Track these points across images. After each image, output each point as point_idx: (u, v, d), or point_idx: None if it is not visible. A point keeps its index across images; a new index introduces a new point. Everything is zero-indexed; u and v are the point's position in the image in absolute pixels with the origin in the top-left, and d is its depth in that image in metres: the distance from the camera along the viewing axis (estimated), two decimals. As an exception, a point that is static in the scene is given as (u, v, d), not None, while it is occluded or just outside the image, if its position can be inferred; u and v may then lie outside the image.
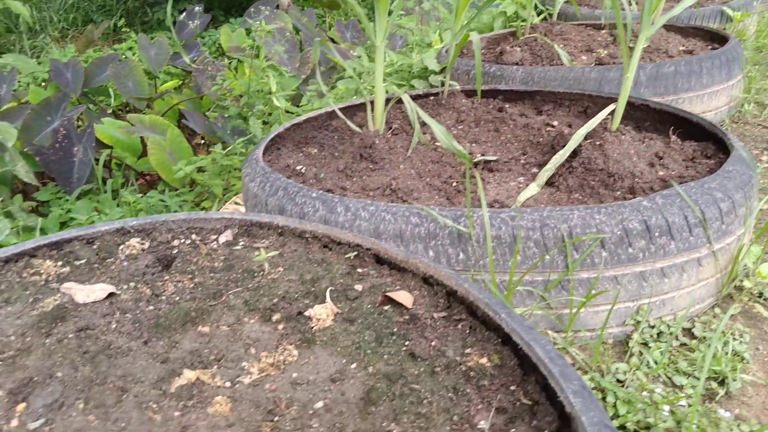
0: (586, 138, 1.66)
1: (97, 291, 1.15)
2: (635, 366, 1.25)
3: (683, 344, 1.35)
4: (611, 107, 1.66)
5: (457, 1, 1.99)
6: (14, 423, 0.85)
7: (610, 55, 2.72)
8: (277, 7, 6.85)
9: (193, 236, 1.37)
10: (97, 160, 3.10)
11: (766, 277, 1.44)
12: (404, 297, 1.09)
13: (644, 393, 1.21)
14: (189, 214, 1.39)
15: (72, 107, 3.42)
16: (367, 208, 1.37)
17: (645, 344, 1.35)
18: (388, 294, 1.09)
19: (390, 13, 1.62)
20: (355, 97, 2.94)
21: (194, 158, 2.85)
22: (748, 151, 1.63)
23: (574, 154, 1.63)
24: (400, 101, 2.27)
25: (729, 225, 1.39)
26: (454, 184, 1.62)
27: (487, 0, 1.91)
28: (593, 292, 1.30)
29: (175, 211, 2.70)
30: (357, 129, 1.78)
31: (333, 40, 5.91)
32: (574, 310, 1.31)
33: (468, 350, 0.97)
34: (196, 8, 5.42)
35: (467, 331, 1.01)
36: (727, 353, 1.29)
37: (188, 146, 3.30)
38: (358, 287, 1.15)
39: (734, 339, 1.34)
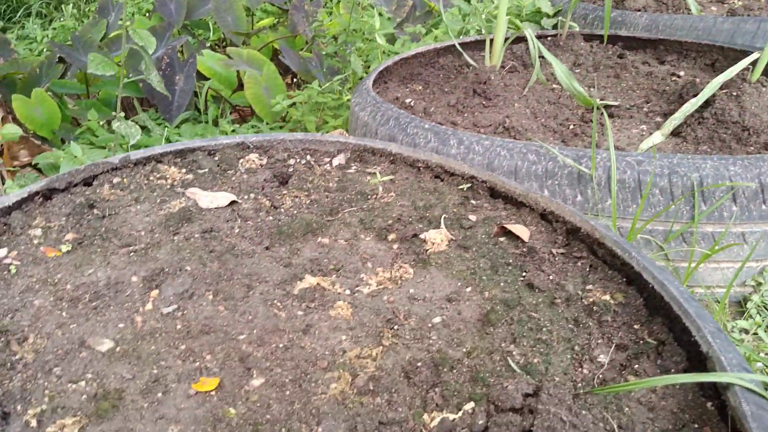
0: (721, 88, 1.54)
1: (220, 198, 1.20)
2: (758, 325, 1.18)
3: (810, 313, 1.26)
4: (754, 56, 1.52)
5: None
6: (149, 306, 0.91)
7: (745, 7, 2.49)
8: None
9: (308, 157, 1.39)
10: (195, 92, 3.20)
11: None
12: (521, 230, 1.07)
13: (762, 354, 1.15)
14: (305, 135, 1.41)
15: (174, 38, 3.52)
16: (481, 142, 1.35)
17: (765, 307, 1.27)
18: (504, 225, 1.07)
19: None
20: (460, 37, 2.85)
21: (291, 93, 2.89)
22: None
23: (706, 104, 1.52)
24: (513, 43, 2.18)
25: None
26: (571, 126, 1.56)
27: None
28: (717, 247, 1.23)
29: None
30: (473, 63, 1.73)
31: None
32: (693, 264, 1.24)
33: (589, 287, 0.94)
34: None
35: (587, 269, 0.99)
36: None
37: (282, 83, 3.35)
38: (473, 217, 1.13)
39: None
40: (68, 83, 2.50)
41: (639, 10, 2.47)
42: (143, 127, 2.30)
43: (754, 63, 1.58)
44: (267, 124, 3.10)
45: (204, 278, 0.96)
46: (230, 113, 3.46)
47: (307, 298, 0.91)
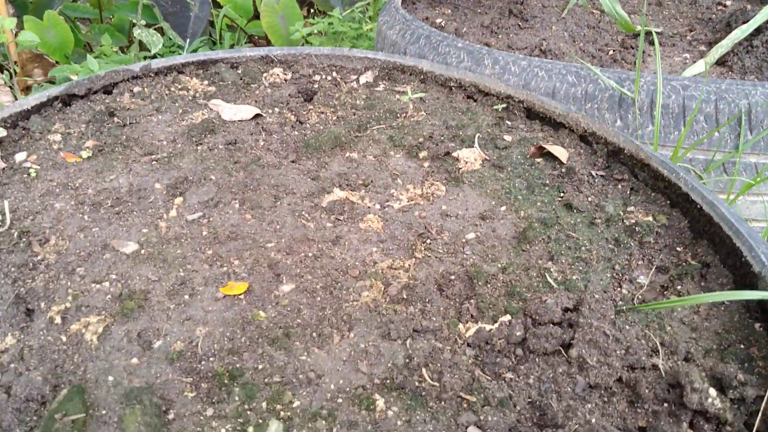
0: (774, 14, 1.44)
1: (244, 110, 1.16)
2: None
3: None
4: (814, -21, 1.42)
5: None
6: (173, 213, 0.88)
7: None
8: None
9: (334, 74, 1.33)
10: (211, 21, 3.10)
11: None
12: (559, 151, 1.02)
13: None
14: (332, 49, 1.35)
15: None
16: (518, 62, 1.28)
17: (805, 246, 1.22)
18: (542, 145, 1.02)
19: None
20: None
21: (310, 20, 2.79)
22: None
23: (757, 32, 1.43)
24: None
25: None
26: (611, 52, 1.48)
27: None
28: (758, 178, 1.18)
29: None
30: None
31: None
32: (733, 195, 1.19)
33: (630, 208, 0.90)
34: None
35: (629, 191, 0.94)
36: None
37: (299, 12, 3.23)
38: (508, 138, 1.08)
39: None
40: (81, 7, 2.42)
41: (685, -64, 2.31)
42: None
43: (812, -12, 1.47)
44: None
45: (229, 187, 0.93)
46: (245, 43, 3.37)
47: (336, 210, 0.88)
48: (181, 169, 0.98)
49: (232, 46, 3.01)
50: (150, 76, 1.25)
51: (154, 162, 1.00)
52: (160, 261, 0.77)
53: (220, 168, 0.98)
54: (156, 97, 1.21)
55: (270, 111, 1.18)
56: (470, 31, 1.57)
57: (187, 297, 0.72)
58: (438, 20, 1.65)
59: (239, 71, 1.30)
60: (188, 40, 2.89)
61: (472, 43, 1.36)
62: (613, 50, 1.48)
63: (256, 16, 3.07)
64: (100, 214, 0.87)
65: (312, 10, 3.99)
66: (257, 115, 1.15)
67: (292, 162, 1.01)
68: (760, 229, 1.24)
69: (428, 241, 0.82)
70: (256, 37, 3.49)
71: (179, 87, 1.24)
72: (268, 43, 3.32)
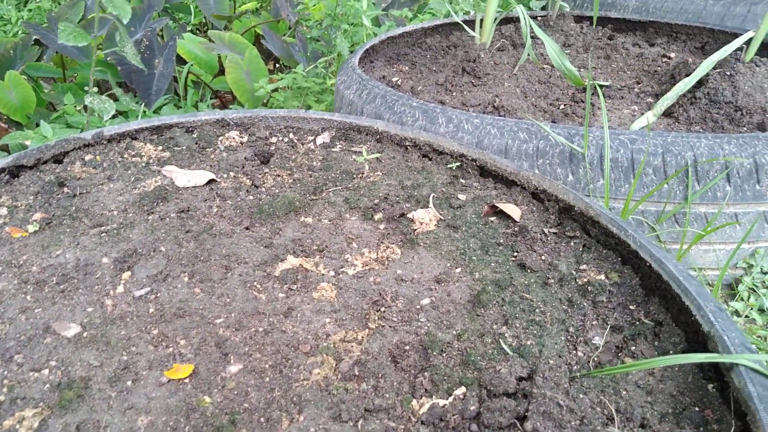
0: (714, 68, 1.50)
1: (198, 176, 1.15)
2: (752, 306, 1.16)
3: (803, 296, 1.24)
4: (748, 35, 1.49)
5: None
6: (120, 289, 0.85)
7: (734, -11, 2.46)
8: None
9: (291, 135, 1.34)
10: (175, 77, 3.12)
11: None
12: (512, 209, 1.03)
13: (756, 336, 1.12)
14: (288, 111, 1.35)
15: (154, 20, 3.42)
16: (471, 120, 1.30)
17: (754, 290, 1.24)
18: (495, 204, 1.03)
19: None
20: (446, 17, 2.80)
21: (274, 77, 2.83)
22: None
23: (699, 84, 1.49)
24: (501, 24, 2.13)
25: None
26: (561, 106, 1.52)
27: None
28: (709, 228, 1.20)
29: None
30: (472, 32, 1.66)
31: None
32: (686, 245, 1.21)
33: (583, 266, 0.91)
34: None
35: (581, 249, 0.95)
36: None
37: (265, 67, 3.27)
38: (462, 197, 1.09)
39: None
40: (44, 66, 2.41)
41: (629, -8, 2.43)
42: (121, 112, 2.21)
43: (747, 43, 1.55)
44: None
45: (179, 259, 0.91)
46: (210, 98, 3.38)
47: (289, 279, 0.86)
48: (130, 241, 0.96)
49: (196, 104, 3.02)
50: (102, 143, 1.24)
51: (103, 234, 0.98)
52: (103, 344, 0.74)
53: (171, 238, 0.96)
54: (108, 165, 1.19)
55: (225, 175, 1.17)
56: (425, 89, 1.60)
57: (129, 383, 0.69)
58: (394, 78, 1.69)
59: (194, 135, 1.29)
60: (152, 98, 2.89)
61: (426, 102, 1.38)
62: (564, 104, 1.53)
63: (222, 71, 3.10)
64: (44, 293, 0.84)
65: (277, 65, 4.04)
66: (211, 181, 1.14)
67: (246, 229, 1.00)
68: (715, 277, 1.26)
69: (382, 309, 0.81)
70: (222, 93, 3.51)
71: (132, 154, 1.23)
72: (234, 99, 3.34)
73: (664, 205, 1.20)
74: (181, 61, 3.28)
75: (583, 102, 1.56)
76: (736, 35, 1.92)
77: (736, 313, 1.17)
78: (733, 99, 1.42)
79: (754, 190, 1.18)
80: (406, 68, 1.89)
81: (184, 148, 1.25)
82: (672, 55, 1.85)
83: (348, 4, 3.24)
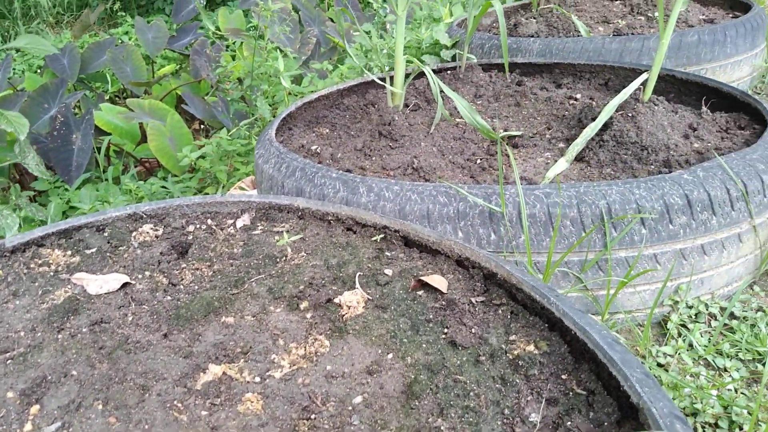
0: (617, 110, 1.57)
1: (111, 281, 1.09)
2: (680, 348, 1.18)
3: (724, 324, 1.28)
4: (643, 77, 1.57)
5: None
6: (28, 427, 0.79)
7: (628, 26, 2.62)
8: (275, -14, 6.71)
9: (209, 221, 1.30)
10: (96, 148, 3.02)
11: (812, 253, 1.37)
12: (439, 281, 1.02)
13: (688, 377, 1.15)
14: (204, 197, 1.32)
15: (69, 94, 3.33)
16: (391, 188, 1.30)
17: (683, 325, 1.28)
18: (421, 278, 1.02)
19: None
20: (364, 75, 2.85)
21: (197, 143, 2.78)
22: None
23: (605, 127, 1.55)
24: (416, 78, 2.18)
25: (772, 198, 1.32)
26: (478, 161, 1.55)
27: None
28: (633, 272, 1.24)
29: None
30: (397, 90, 1.67)
31: (332, 20, 5.79)
32: (612, 291, 1.24)
33: (512, 337, 0.90)
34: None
35: (509, 317, 0.95)
36: (773, 333, 1.23)
37: (188, 131, 3.22)
38: (388, 272, 1.08)
39: (780, 318, 1.27)
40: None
41: (532, 36, 2.54)
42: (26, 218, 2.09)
43: (644, 83, 1.63)
44: (175, 176, 2.97)
45: (92, 384, 0.85)
46: (135, 167, 3.29)
47: (212, 393, 0.82)
48: (39, 367, 0.89)
49: (118, 178, 2.92)
50: (5, 255, 1.16)
51: (8, 362, 0.91)
52: (6, 502, 0.67)
53: (83, 359, 0.90)
54: (13, 278, 1.11)
55: (140, 276, 1.11)
56: (345, 155, 1.60)
57: None
58: (314, 147, 1.68)
59: (106, 234, 1.23)
60: (73, 175, 2.77)
61: (345, 172, 1.38)
62: (480, 159, 1.56)
63: (145, 138, 3.02)
64: (-62, 444, 0.76)
65: (202, 125, 3.98)
66: (126, 284, 1.09)
67: (164, 336, 0.95)
68: (644, 317, 1.29)
69: (313, 416, 0.77)
70: (147, 159, 3.42)
71: (39, 263, 1.16)
72: (159, 166, 3.25)
73: (585, 254, 1.22)
74: (102, 132, 3.18)
75: (508, 154, 1.59)
76: (634, 70, 2.03)
77: (669, 354, 1.20)
78: (638, 139, 1.49)
79: (668, 230, 1.23)
80: (327, 131, 1.89)
81: (95, 250, 1.19)
82: (578, 96, 1.93)
83: (267, 64, 3.25)
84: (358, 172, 1.51)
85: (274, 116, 2.93)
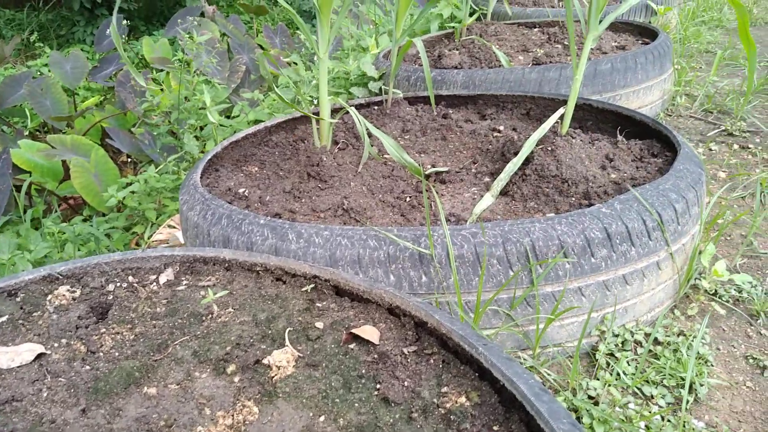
0: (537, 144, 1.63)
1: (24, 353, 1.02)
2: (609, 382, 1.22)
3: (649, 351, 1.33)
4: (560, 111, 1.64)
5: (397, 4, 1.93)
6: None
7: (546, 54, 2.73)
8: (202, 15, 6.63)
9: (130, 278, 1.24)
10: (16, 187, 2.87)
11: (722, 276, 1.45)
12: (370, 332, 1.01)
13: (618, 409, 1.18)
14: (124, 254, 1.26)
15: (-17, 133, 3.15)
16: (321, 233, 1.29)
17: (611, 354, 1.32)
18: (352, 331, 1.01)
19: (332, 25, 1.53)
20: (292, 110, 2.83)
21: (123, 181, 2.68)
22: (691, 147, 1.65)
23: (527, 161, 1.60)
24: (345, 113, 2.18)
25: (684, 225, 1.39)
26: (408, 199, 1.56)
27: (428, 3, 1.86)
28: (560, 305, 1.27)
29: (106, 244, 2.55)
30: (323, 131, 1.66)
31: (262, 47, 5.76)
32: (541, 326, 1.27)
33: (444, 389, 0.90)
34: (116, 19, 5.14)
35: (441, 366, 0.95)
36: (691, 357, 1.29)
37: (115, 167, 3.10)
38: (319, 324, 1.06)
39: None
40: None
41: (456, 68, 2.60)
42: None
43: (562, 116, 1.69)
44: (103, 215, 2.85)
45: (1, 474, 0.79)
46: (59, 206, 3.13)
47: (134, 476, 0.77)
48: (-61, 458, 0.82)
49: (38, 219, 2.77)
50: None
51: None
52: None
53: (-10, 446, 0.83)
54: None
55: (56, 344, 1.05)
56: (274, 198, 1.57)
57: None
58: (242, 189, 1.65)
59: (18, 300, 1.16)
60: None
61: (274, 218, 1.36)
62: (410, 196, 1.57)
63: (69, 175, 2.88)
64: None
65: (131, 158, 3.84)
66: (40, 355, 1.02)
67: (82, 413, 0.89)
68: (574, 349, 1.32)
69: (241, 493, 0.74)
70: (71, 197, 3.27)
71: (-60, 336, 1.07)
72: (84, 203, 3.11)
73: (514, 291, 1.25)
74: (21, 170, 3.02)
75: (428, 191, 1.61)
76: (553, 100, 2.11)
77: (596, 389, 1.23)
78: (558, 172, 1.54)
79: (591, 263, 1.27)
80: (256, 169, 1.86)
81: (6, 318, 1.11)
82: (501, 127, 1.99)
83: (195, 98, 3.19)
84: (288, 215, 1.49)
85: (203, 152, 2.87)
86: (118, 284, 1.22)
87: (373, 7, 3.62)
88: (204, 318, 1.10)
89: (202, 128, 3.24)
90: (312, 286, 1.16)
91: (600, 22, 1.56)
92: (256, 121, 3.18)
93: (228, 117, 3.77)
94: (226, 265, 1.25)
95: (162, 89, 3.66)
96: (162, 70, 4.51)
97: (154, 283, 1.23)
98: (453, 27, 3.43)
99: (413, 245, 1.23)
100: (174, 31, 5.42)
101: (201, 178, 1.76)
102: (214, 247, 1.42)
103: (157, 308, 1.14)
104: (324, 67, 1.54)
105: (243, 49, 5.21)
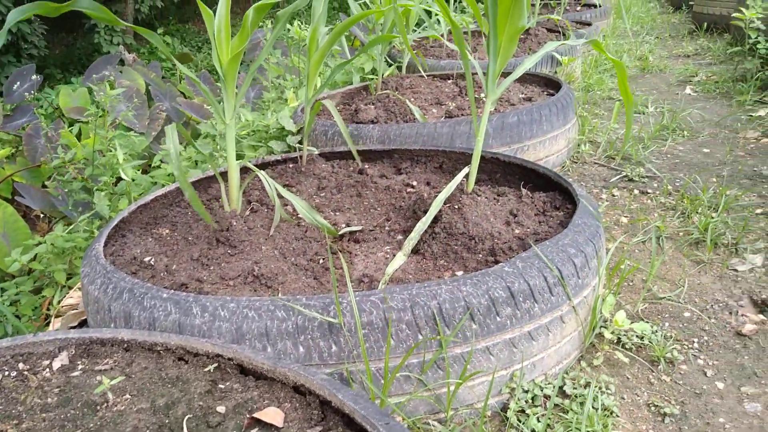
0: (445, 202, 1.67)
1: None
2: (518, 441, 1.24)
3: (557, 405, 1.36)
4: (466, 170, 1.69)
5: (308, 65, 1.95)
6: None
7: (458, 107, 2.83)
8: (122, 62, 6.49)
9: (21, 365, 1.16)
10: None
11: (623, 325, 1.51)
12: (273, 415, 0.99)
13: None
14: (13, 339, 1.19)
15: None
16: (226, 305, 1.26)
17: (522, 411, 1.35)
18: (254, 416, 0.98)
19: (236, 93, 1.53)
20: (209, 167, 2.80)
21: (30, 242, 2.55)
22: (591, 198, 1.74)
23: (436, 219, 1.64)
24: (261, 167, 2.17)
25: (584, 278, 1.45)
26: (321, 261, 1.55)
27: (338, 65, 1.89)
28: (469, 366, 1.28)
29: (11, 304, 2.40)
30: (233, 196, 1.63)
31: (184, 94, 5.68)
32: (452, 389, 1.28)
33: (347, 472, 0.89)
34: (27, 71, 4.95)
35: (345, 447, 0.93)
36: (597, 409, 1.33)
37: (25, 225, 2.95)
38: (221, 409, 1.03)
39: (602, 392, 1.38)
40: None
41: (372, 122, 2.65)
42: None
43: (467, 175, 1.75)
44: (12, 277, 2.68)
45: None
46: (-41, 268, 2.92)
47: None
48: None
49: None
50: None
51: None
52: None
53: None
54: None
55: (-72, 450, 0.96)
56: (181, 267, 1.53)
57: None
58: (147, 258, 1.59)
59: None
60: None
61: (177, 291, 1.32)
62: (324, 258, 1.57)
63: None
64: None
65: (44, 214, 3.65)
66: None
67: None
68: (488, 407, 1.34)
69: None
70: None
71: None
72: (-10, 268, 2.91)
73: (423, 355, 1.25)
74: None
75: (341, 251, 1.62)
76: (463, 154, 2.18)
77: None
78: (465, 230, 1.58)
79: (496, 322, 1.30)
80: (166, 231, 1.81)
81: None
82: (414, 183, 2.03)
83: (110, 153, 3.09)
84: (195, 285, 1.45)
85: (114, 214, 2.77)
86: (6, 373, 1.14)
87: (300, 56, 3.66)
88: (99, 408, 1.05)
89: (116, 183, 3.14)
90: (215, 365, 1.13)
91: (512, 72, 1.63)
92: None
93: (149, 166, 3.67)
94: (125, 345, 1.20)
95: (78, 141, 3.52)
96: (80, 121, 4.37)
97: (47, 370, 1.16)
98: (372, 79, 3.51)
99: (321, 315, 1.22)
100: (93, 80, 5.28)
101: (106, 246, 1.69)
102: (115, 323, 1.35)
103: (48, 398, 1.07)
104: (231, 133, 1.53)
105: (164, 96, 5.12)
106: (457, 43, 1.56)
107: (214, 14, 1.44)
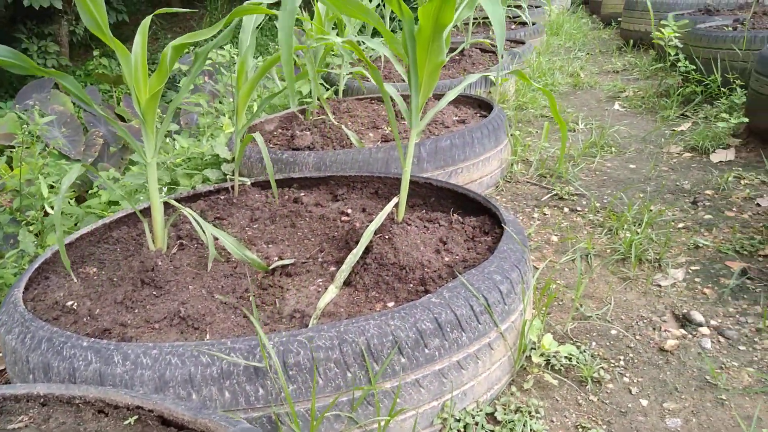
0: (376, 232, 1.68)
1: None
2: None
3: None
4: (395, 201, 1.71)
5: (236, 98, 1.94)
6: None
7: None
8: (56, 86, 6.29)
9: (-76, 429, 1.10)
10: None
11: (549, 348, 1.56)
12: (193, 468, 0.97)
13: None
14: None
15: None
16: (148, 352, 1.23)
17: (456, 438, 1.36)
18: (173, 471, 0.96)
19: (158, 132, 1.51)
20: (141, 197, 2.74)
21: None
22: (518, 222, 1.79)
23: (368, 250, 1.65)
24: (190, 201, 2.14)
25: (510, 304, 1.49)
26: (251, 298, 1.54)
27: (265, 98, 1.89)
28: (399, 399, 1.29)
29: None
30: (157, 235, 1.60)
31: (122, 117, 5.54)
32: (382, 424, 1.28)
33: None
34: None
35: (266, 498, 0.92)
36: (527, 434, 1.36)
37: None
38: (140, 464, 1.00)
39: (531, 417, 1.41)
40: None
41: (308, 148, 2.65)
42: None
43: (397, 204, 1.77)
44: None
45: None
46: None
47: None
48: None
49: None
50: None
51: None
52: None
53: None
54: None
55: None
56: (104, 311, 1.49)
57: None
58: (70, 302, 1.54)
59: None
60: None
61: (97, 341, 1.28)
62: (254, 294, 1.55)
63: None
64: None
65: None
66: None
67: None
68: (415, 440, 1.35)
69: None
70: None
71: None
72: None
73: (352, 392, 1.25)
74: None
75: (273, 287, 1.60)
76: (397, 179, 2.20)
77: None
78: (396, 260, 1.60)
79: (425, 354, 1.31)
80: (94, 270, 1.76)
81: None
82: (349, 211, 2.04)
83: (37, 182, 2.99)
84: (119, 330, 1.41)
85: (42, 250, 2.66)
86: None
87: (231, 80, 3.62)
88: (9, 471, 1.00)
89: (47, 213, 3.03)
90: (135, 417, 1.10)
91: (437, 103, 1.66)
92: (111, 203, 3.03)
93: (87, 192, 3.55)
94: (42, 400, 1.15)
95: (10, 168, 3.38)
96: (11, 147, 4.20)
97: (-46, 433, 1.10)
98: (310, 102, 3.52)
99: (246, 360, 1.20)
100: (25, 104, 5.09)
101: (27, 290, 1.63)
102: (33, 375, 1.30)
103: (-47, 465, 1.02)
104: (152, 172, 1.51)
105: (99, 122, 4.98)
106: (377, 81, 1.58)
107: (130, 50, 1.42)
